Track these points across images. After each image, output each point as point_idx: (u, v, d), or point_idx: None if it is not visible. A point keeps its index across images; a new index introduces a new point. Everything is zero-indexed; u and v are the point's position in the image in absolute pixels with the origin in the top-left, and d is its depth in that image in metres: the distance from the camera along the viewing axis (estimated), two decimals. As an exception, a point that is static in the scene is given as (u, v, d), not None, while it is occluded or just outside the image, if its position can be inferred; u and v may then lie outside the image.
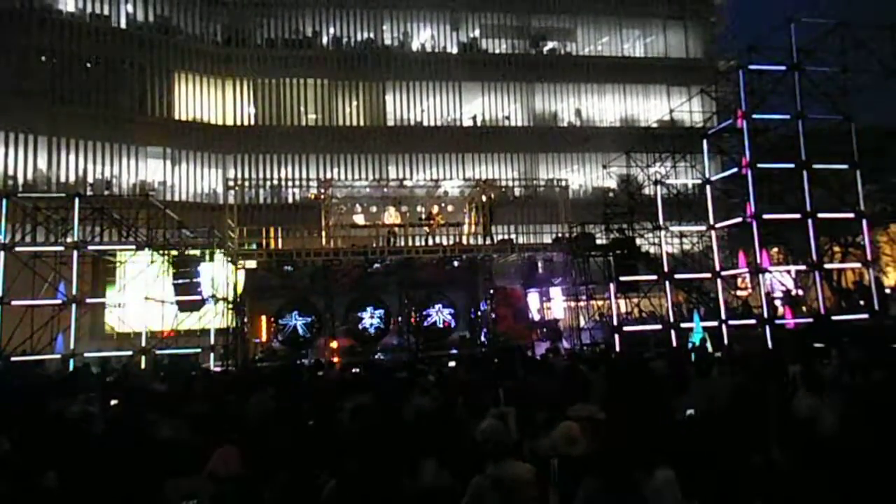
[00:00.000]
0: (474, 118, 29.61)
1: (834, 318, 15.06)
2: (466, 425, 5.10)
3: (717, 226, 17.15)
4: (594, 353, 14.81)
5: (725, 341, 14.76)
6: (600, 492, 3.00)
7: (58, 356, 14.48)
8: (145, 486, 4.05)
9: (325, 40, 28.98)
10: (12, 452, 4.87)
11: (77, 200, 15.43)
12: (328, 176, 25.74)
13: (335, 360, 15.66)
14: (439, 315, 18.44)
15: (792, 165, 15.87)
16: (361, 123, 28.48)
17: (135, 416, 6.70)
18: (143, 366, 14.46)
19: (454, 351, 17.07)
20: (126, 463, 4.50)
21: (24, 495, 3.84)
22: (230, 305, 16.38)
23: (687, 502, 3.36)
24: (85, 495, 4.03)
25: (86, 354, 15.04)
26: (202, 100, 27.11)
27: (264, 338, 17.72)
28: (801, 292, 18.80)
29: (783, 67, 16.08)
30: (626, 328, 16.50)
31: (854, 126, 16.20)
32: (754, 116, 15.98)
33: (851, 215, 16.32)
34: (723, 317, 15.78)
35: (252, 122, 27.73)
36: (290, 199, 25.87)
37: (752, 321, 15.77)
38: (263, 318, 17.73)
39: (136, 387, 9.71)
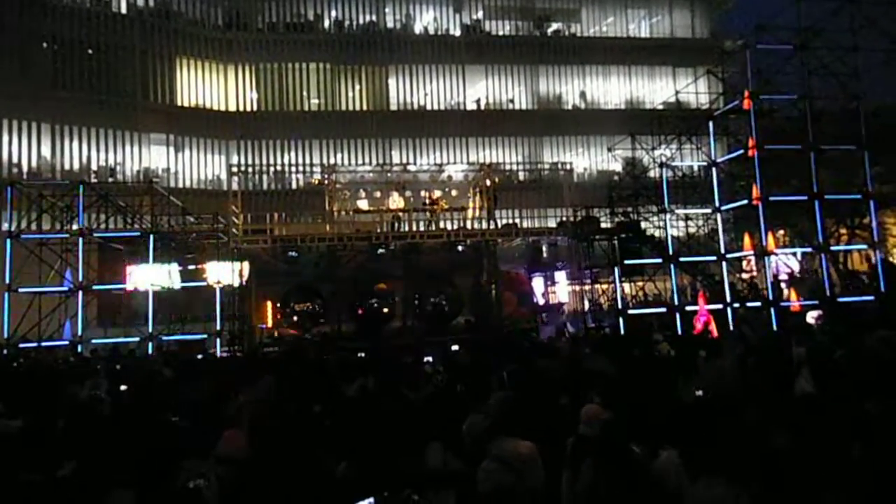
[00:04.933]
0: (478, 101, 29.41)
1: (840, 300, 15.01)
2: (469, 409, 5.12)
3: (723, 208, 17.05)
4: (599, 336, 14.83)
5: (731, 324, 14.74)
6: (603, 473, 3.02)
7: (66, 342, 14.61)
8: (154, 469, 4.10)
9: (326, 24, 28.74)
10: (24, 437, 4.92)
11: (81, 188, 15.48)
12: (331, 161, 25.69)
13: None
14: (443, 300, 18.47)
15: (799, 147, 15.71)
16: (364, 108, 28.34)
17: (143, 401, 6.78)
18: (150, 352, 14.58)
19: (458, 335, 17.11)
20: (135, 447, 4.56)
21: (41, 482, 3.89)
22: (236, 292, 16.45)
23: (692, 483, 3.37)
24: (96, 479, 4.08)
25: (93, 341, 15.17)
26: (204, 85, 27.01)
27: (270, 323, 17.81)
28: (806, 275, 18.73)
29: (791, 47, 15.84)
30: (630, 311, 16.51)
31: (862, 106, 16.00)
32: (761, 97, 15.80)
33: (858, 196, 16.19)
34: (728, 299, 15.75)
35: (254, 108, 27.64)
36: (294, 185, 25.87)
37: (758, 303, 15.73)
38: (269, 303, 17.81)
39: (143, 372, 9.80)
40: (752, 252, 17.17)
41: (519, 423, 4.01)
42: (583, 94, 30.25)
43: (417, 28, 29.53)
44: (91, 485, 3.90)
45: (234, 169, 19.21)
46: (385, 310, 18.13)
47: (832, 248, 16.64)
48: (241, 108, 27.43)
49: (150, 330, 15.09)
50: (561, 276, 20.44)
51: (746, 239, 17.79)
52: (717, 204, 16.99)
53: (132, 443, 4.57)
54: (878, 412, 3.48)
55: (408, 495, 3.25)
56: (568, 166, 20.42)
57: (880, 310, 13.69)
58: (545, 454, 3.84)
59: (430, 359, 9.65)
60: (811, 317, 9.44)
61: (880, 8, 15.89)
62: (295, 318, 17.68)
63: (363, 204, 18.56)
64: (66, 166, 23.90)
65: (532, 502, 3.50)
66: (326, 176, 18.77)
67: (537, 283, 20.45)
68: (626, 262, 16.81)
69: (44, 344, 14.37)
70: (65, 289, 14.91)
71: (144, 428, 5.20)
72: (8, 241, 14.85)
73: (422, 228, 18.29)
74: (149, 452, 4.32)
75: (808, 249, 16.71)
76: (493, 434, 3.74)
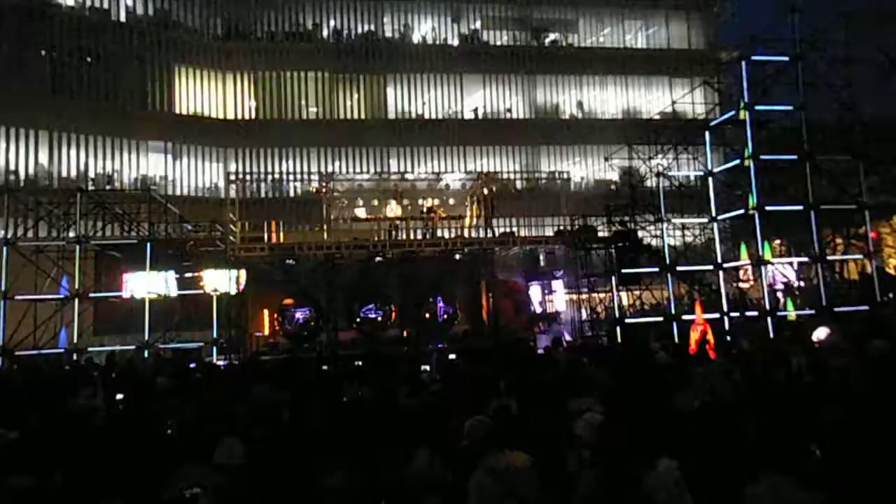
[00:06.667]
0: (475, 111, 29.52)
1: (836, 309, 15.03)
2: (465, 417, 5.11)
3: (719, 218, 17.11)
4: (597, 345, 14.83)
5: (727, 334, 14.75)
6: (599, 484, 3.00)
7: (61, 350, 14.54)
8: (150, 477, 4.08)
9: (325, 33, 28.87)
10: (18, 447, 4.89)
11: (79, 195, 15.47)
12: (329, 169, 25.71)
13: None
14: (441, 308, 18.45)
15: (794, 157, 15.81)
16: (362, 116, 28.42)
17: (139, 409, 6.75)
18: (146, 359, 14.51)
19: (456, 344, 17.08)
20: (131, 455, 4.54)
21: (33, 491, 3.87)
22: (232, 300, 16.41)
23: (690, 494, 3.36)
24: (91, 489, 4.06)
25: (90, 349, 15.10)
26: (203, 94, 27.06)
27: (267, 332, 17.76)
28: (802, 284, 18.77)
29: (786, 58, 15.98)
30: (627, 320, 16.51)
31: (857, 117, 16.12)
32: (757, 108, 15.91)
33: (854, 206, 16.28)
34: (725, 309, 15.79)
35: (253, 116, 27.68)
36: (292, 193, 25.86)
37: (755, 313, 15.76)
38: (266, 311, 17.77)
39: (140, 380, 9.76)
40: (748, 261, 17.22)
41: (516, 433, 4.01)
42: (580, 104, 30.40)
43: (416, 37, 29.68)
44: (81, 493, 3.88)
45: (232, 177, 19.23)
46: (382, 318, 18.11)
47: (828, 257, 16.68)
48: (240, 117, 27.48)
49: (147, 338, 15.03)
50: (558, 284, 20.44)
51: (743, 248, 17.86)
52: (713, 213, 17.05)
53: (125, 452, 4.56)
54: (836, 421, 3.50)
55: None
56: (565, 175, 20.51)
57: (875, 319, 13.73)
58: (545, 464, 3.84)
59: (427, 367, 9.64)
60: (819, 335, 8.85)
61: (874, 21, 16.03)
62: (292, 326, 17.64)
63: (361, 212, 18.58)
64: (64, 173, 23.86)
65: None
66: (324, 184, 18.80)
67: (534, 292, 20.43)
68: (623, 270, 16.84)
69: (39, 352, 14.29)
70: (61, 296, 14.86)
71: (138, 437, 5.18)
72: (4, 248, 14.81)
73: (419, 237, 18.30)
74: (141, 461, 4.31)
75: (805, 259, 16.76)
76: (489, 445, 3.73)
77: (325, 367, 11.02)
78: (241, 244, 16.89)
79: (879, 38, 16.11)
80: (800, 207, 15.61)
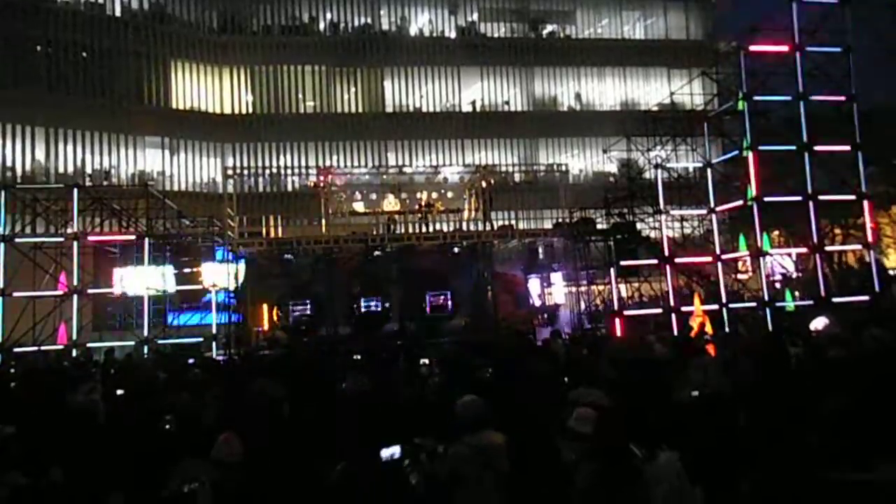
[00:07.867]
0: (473, 103, 29.43)
1: (834, 300, 15.05)
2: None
3: (718, 209, 17.09)
4: (595, 337, 14.83)
5: (726, 324, 14.78)
6: (598, 477, 3.00)
7: (60, 347, 14.53)
8: (150, 472, 4.08)
9: (322, 26, 28.73)
10: (17, 443, 4.89)
11: (76, 191, 15.41)
12: (327, 163, 25.67)
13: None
14: (439, 302, 18.48)
15: (793, 147, 15.77)
16: (360, 110, 28.32)
17: (138, 405, 6.74)
18: (145, 355, 14.52)
19: (455, 338, 17.09)
20: (131, 450, 4.54)
21: (32, 488, 3.87)
22: (231, 294, 16.41)
23: (692, 487, 3.36)
24: (91, 484, 4.06)
25: (88, 345, 15.09)
26: (199, 88, 26.95)
27: (266, 326, 17.79)
28: (801, 275, 18.79)
29: (785, 48, 15.91)
30: (626, 312, 16.52)
31: (856, 107, 16.06)
32: (756, 98, 15.85)
33: (853, 197, 16.25)
34: (723, 300, 15.80)
35: (250, 110, 27.58)
36: (290, 188, 25.81)
37: (753, 304, 15.77)
38: (265, 306, 17.80)
39: (139, 376, 9.75)
40: (747, 253, 17.22)
41: (506, 419, 4.15)
42: (578, 96, 30.30)
43: (413, 30, 29.53)
44: (81, 489, 3.88)
45: (230, 171, 19.19)
46: (381, 312, 18.14)
47: (827, 248, 16.67)
48: (237, 111, 27.38)
49: (146, 334, 15.03)
50: (557, 277, 20.46)
51: (742, 240, 17.85)
52: (712, 205, 17.03)
53: (125, 447, 4.56)
54: (833, 410, 3.50)
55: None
56: (563, 168, 20.50)
57: (874, 309, 13.75)
58: (539, 455, 3.90)
59: (426, 361, 9.62)
60: (817, 325, 8.68)
61: (872, 10, 15.96)
62: (291, 320, 17.66)
63: (359, 206, 18.57)
64: (61, 170, 23.80)
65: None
66: (322, 178, 18.77)
67: (533, 285, 20.46)
68: (622, 263, 16.84)
69: (38, 348, 14.28)
70: (59, 293, 14.84)
71: (137, 433, 5.18)
72: (2, 244, 14.77)
73: (417, 230, 18.29)
74: (141, 457, 4.31)
75: (803, 250, 16.76)
76: (477, 428, 3.94)
77: (324, 362, 11.00)
78: (239, 239, 16.87)
79: (879, 27, 16.04)
80: (798, 198, 15.59)
